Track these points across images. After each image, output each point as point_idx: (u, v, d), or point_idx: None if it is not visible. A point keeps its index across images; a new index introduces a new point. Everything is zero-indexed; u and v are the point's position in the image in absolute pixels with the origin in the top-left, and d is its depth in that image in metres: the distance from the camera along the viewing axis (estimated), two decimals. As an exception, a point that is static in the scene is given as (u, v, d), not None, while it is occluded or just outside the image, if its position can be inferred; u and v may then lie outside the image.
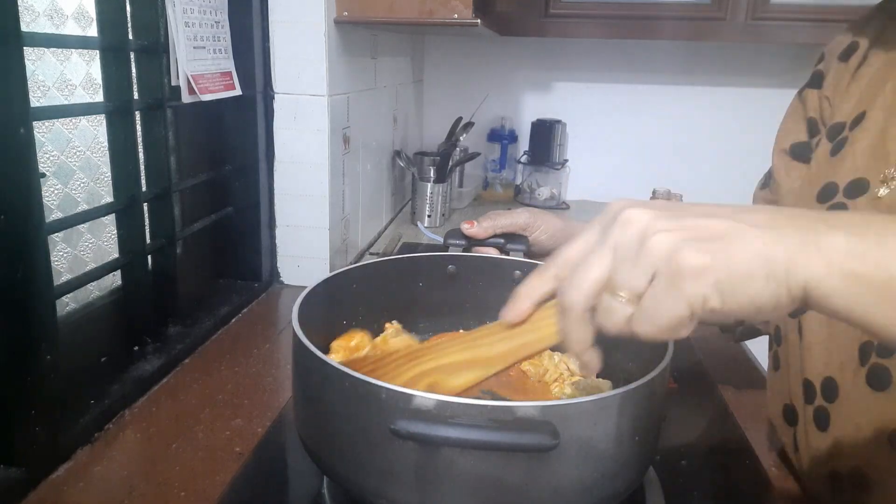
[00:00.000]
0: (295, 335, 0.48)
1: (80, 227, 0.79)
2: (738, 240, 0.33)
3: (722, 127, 1.89)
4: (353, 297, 0.64)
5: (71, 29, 0.77)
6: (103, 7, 0.75)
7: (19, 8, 0.57)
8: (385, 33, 1.43)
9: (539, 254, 0.75)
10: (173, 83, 0.86)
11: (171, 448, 0.67)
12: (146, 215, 0.85)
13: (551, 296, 0.41)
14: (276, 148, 1.09)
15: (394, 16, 1.07)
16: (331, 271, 0.63)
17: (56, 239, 0.76)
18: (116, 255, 0.81)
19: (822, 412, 0.62)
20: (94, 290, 0.82)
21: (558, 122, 1.89)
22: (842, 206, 0.60)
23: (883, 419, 0.55)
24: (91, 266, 0.78)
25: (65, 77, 0.76)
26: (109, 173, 0.79)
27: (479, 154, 1.81)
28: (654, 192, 1.78)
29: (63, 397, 0.64)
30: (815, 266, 0.32)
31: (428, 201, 1.60)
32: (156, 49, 0.83)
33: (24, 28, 0.57)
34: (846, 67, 0.68)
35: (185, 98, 0.86)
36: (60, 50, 0.74)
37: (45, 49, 0.72)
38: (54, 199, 0.76)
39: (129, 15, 0.78)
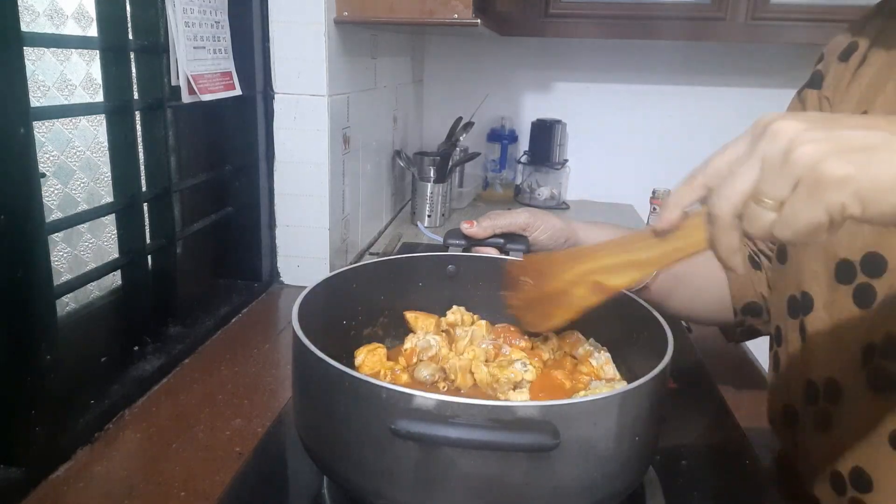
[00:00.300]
0: (295, 335, 0.48)
1: (80, 227, 0.79)
2: (886, 151, 0.34)
3: (722, 127, 1.89)
4: (353, 297, 0.64)
5: (71, 29, 0.77)
6: (103, 7, 0.75)
7: (19, 8, 0.57)
8: (385, 33, 1.43)
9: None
10: (173, 83, 0.86)
11: (171, 448, 0.67)
12: (146, 215, 0.85)
13: (698, 203, 0.43)
14: (276, 148, 1.09)
15: (394, 16, 1.07)
16: (331, 271, 0.63)
17: (56, 239, 0.76)
18: (116, 255, 0.81)
19: (823, 413, 0.62)
20: (94, 290, 0.82)
21: (558, 122, 1.89)
22: None
23: (885, 420, 0.55)
24: (91, 266, 0.78)
25: (65, 77, 0.76)
26: (109, 173, 0.79)
27: (479, 154, 1.81)
28: (654, 193, 1.78)
29: (63, 397, 0.64)
30: None
31: (428, 201, 1.60)
32: (156, 49, 0.83)
33: (24, 28, 0.57)
34: (846, 67, 0.68)
35: (185, 98, 0.86)
36: (60, 50, 0.74)
37: (45, 49, 0.72)
38: (54, 199, 0.76)
39: (129, 15, 0.78)
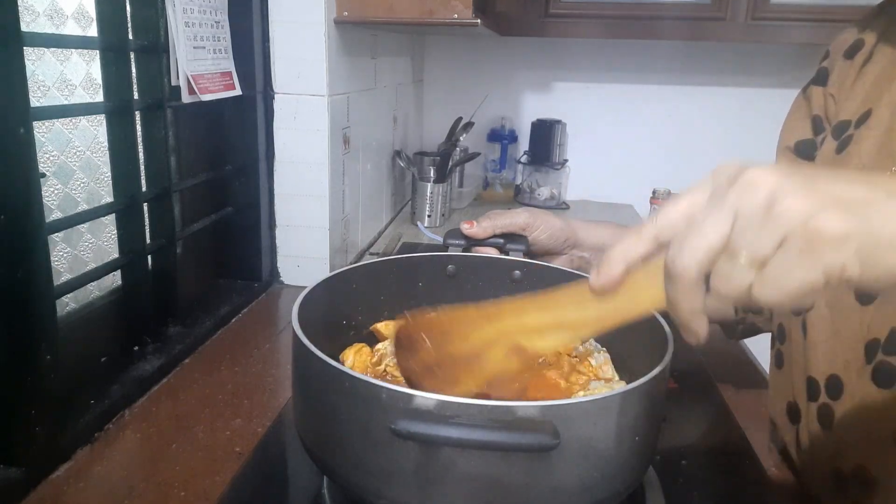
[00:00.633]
0: (295, 335, 0.48)
1: (80, 227, 0.79)
2: (882, 206, 0.31)
3: (722, 127, 1.89)
4: (353, 297, 0.64)
5: (71, 29, 0.77)
6: (103, 7, 0.75)
7: (19, 8, 0.57)
8: (385, 33, 1.43)
9: (539, 253, 0.75)
10: (173, 83, 0.86)
11: (171, 448, 0.67)
12: (146, 215, 0.85)
13: (646, 259, 0.38)
14: (276, 148, 1.09)
15: (394, 16, 1.07)
16: (331, 271, 0.63)
17: (56, 239, 0.76)
18: (116, 255, 0.81)
19: (826, 410, 0.62)
20: (94, 290, 0.82)
21: (558, 122, 1.89)
22: None
23: (888, 417, 0.55)
24: (91, 266, 0.78)
25: (65, 77, 0.76)
26: (109, 173, 0.79)
27: (479, 154, 1.81)
28: (654, 193, 1.78)
29: (63, 397, 0.64)
30: None
31: (428, 201, 1.60)
32: (156, 49, 0.83)
33: (24, 28, 0.57)
34: (851, 65, 0.68)
35: (185, 98, 0.86)
36: (60, 50, 0.74)
37: (45, 49, 0.72)
38: (54, 199, 0.76)
39: (129, 15, 0.78)
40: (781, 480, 0.72)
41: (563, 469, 0.42)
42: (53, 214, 0.74)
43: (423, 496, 0.43)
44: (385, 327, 0.67)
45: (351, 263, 0.77)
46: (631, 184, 1.93)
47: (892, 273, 0.31)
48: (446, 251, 0.71)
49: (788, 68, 1.78)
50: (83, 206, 0.80)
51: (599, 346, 0.65)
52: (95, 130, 0.81)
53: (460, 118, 1.68)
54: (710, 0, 1.60)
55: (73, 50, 0.76)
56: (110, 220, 0.82)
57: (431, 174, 1.58)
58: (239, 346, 0.91)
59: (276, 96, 1.07)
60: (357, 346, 0.63)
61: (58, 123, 0.75)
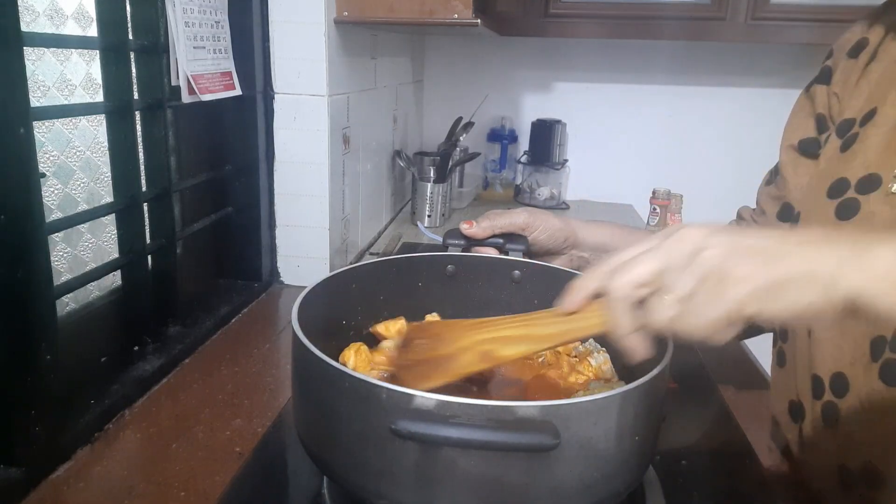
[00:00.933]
0: (295, 335, 0.48)
1: (80, 227, 0.79)
2: (782, 254, 0.37)
3: (722, 127, 1.89)
4: (353, 297, 0.64)
5: (71, 29, 0.77)
6: (103, 7, 0.75)
7: (19, 8, 0.57)
8: (385, 33, 1.43)
9: (538, 253, 0.75)
10: (173, 83, 0.86)
11: (171, 448, 0.67)
12: (146, 215, 0.85)
13: (602, 291, 0.45)
14: (276, 148, 1.09)
15: (394, 16, 1.07)
16: (331, 271, 0.63)
17: (56, 239, 0.76)
18: (116, 255, 0.81)
19: (830, 407, 0.62)
20: (94, 290, 0.82)
21: (558, 122, 1.89)
22: (854, 202, 0.60)
23: None
24: (91, 266, 0.78)
25: (65, 77, 0.76)
26: (109, 173, 0.79)
27: (479, 154, 1.81)
28: (654, 193, 1.78)
29: (63, 397, 0.64)
30: (860, 276, 0.35)
31: (428, 201, 1.60)
32: (156, 49, 0.83)
33: (24, 28, 0.57)
34: (855, 64, 0.68)
35: (185, 98, 0.86)
36: (60, 50, 0.74)
37: (45, 49, 0.72)
38: (54, 199, 0.76)
39: (129, 15, 0.78)
40: (781, 480, 0.72)
41: (563, 469, 0.42)
42: (53, 214, 0.74)
43: (423, 496, 0.43)
44: (385, 328, 0.67)
45: (351, 263, 0.76)
46: (631, 184, 1.93)
47: (789, 310, 0.37)
48: (446, 251, 0.71)
49: (788, 68, 1.78)
50: (83, 206, 0.80)
51: (599, 346, 0.65)
52: (95, 130, 0.81)
53: (460, 118, 1.68)
54: (710, 0, 1.60)
55: (73, 50, 0.76)
56: (110, 220, 0.82)
57: (431, 174, 1.58)
58: (239, 347, 0.91)
59: (276, 96, 1.07)
60: (357, 345, 0.63)
61: (58, 123, 0.75)
